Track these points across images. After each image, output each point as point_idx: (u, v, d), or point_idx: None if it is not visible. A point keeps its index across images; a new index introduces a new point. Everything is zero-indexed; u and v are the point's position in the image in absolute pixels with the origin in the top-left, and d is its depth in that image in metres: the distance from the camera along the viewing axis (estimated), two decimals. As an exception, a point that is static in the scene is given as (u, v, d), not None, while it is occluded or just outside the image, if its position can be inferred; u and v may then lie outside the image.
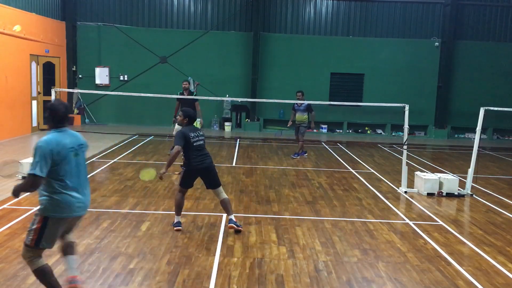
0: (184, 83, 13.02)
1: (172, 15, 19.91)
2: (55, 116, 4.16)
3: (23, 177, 9.02)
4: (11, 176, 5.17)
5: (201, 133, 6.68)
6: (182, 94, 13.00)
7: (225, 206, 6.62)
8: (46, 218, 4.12)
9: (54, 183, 4.11)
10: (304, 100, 12.79)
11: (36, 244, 4.10)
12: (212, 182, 6.67)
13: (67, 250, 4.47)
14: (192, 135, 6.50)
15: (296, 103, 12.91)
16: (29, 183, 4.05)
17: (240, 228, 6.51)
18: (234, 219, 6.55)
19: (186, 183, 6.64)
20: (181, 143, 6.46)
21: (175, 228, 6.52)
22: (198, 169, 6.54)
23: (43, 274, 4.18)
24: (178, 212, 6.64)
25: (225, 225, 6.77)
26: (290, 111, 13.84)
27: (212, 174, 6.68)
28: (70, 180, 4.15)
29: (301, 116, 12.99)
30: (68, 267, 4.46)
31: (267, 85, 19.81)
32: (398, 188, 9.56)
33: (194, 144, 6.49)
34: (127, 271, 5.09)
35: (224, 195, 6.69)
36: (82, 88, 19.00)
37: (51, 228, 4.12)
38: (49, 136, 4.10)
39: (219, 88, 19.21)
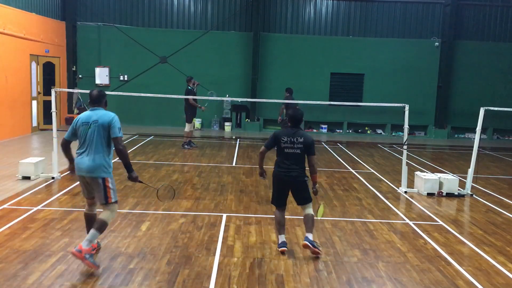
0: (193, 80, 13.56)
1: (172, 15, 19.91)
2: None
3: (23, 177, 9.07)
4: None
5: (300, 140, 5.74)
6: (192, 91, 13.43)
7: (306, 222, 5.86)
8: None
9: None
10: (289, 97, 13.58)
11: None
12: (300, 199, 5.92)
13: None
14: (285, 139, 5.76)
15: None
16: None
17: (317, 250, 5.65)
18: (310, 237, 5.72)
19: (274, 197, 5.98)
20: (267, 144, 5.91)
21: (279, 249, 5.77)
22: (282, 178, 5.81)
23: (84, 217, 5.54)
24: (281, 231, 5.90)
25: (225, 225, 6.78)
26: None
27: (298, 190, 5.86)
28: (78, 145, 5.31)
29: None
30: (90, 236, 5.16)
31: (267, 85, 19.81)
32: (398, 188, 9.56)
33: (285, 150, 5.78)
34: (127, 271, 5.09)
35: (309, 211, 5.89)
36: (82, 88, 18.94)
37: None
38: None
39: (219, 88, 19.18)
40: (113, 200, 5.23)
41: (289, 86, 19.41)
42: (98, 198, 5.24)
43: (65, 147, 5.37)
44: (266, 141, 6.04)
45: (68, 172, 5.52)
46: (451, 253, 6.03)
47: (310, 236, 5.72)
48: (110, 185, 5.22)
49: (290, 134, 5.79)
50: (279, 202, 5.97)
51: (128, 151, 12.86)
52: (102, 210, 5.26)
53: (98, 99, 5.44)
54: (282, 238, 5.86)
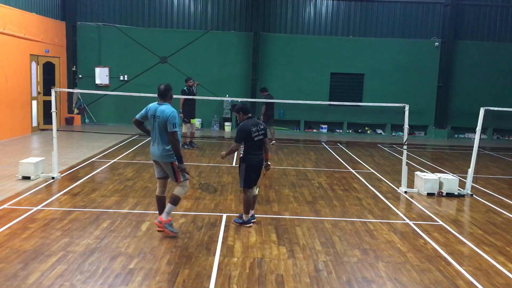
0: (190, 81, 13.47)
1: (172, 15, 19.91)
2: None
3: (23, 177, 9.07)
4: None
5: (261, 127, 6.66)
6: (187, 92, 13.34)
7: (254, 201, 6.91)
8: None
9: None
10: (268, 96, 15.01)
11: None
12: (257, 180, 6.84)
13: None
14: (254, 129, 6.53)
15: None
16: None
17: (252, 221, 6.81)
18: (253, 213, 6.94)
19: (249, 182, 6.66)
20: (239, 139, 6.52)
21: (253, 222, 6.77)
22: (258, 164, 6.63)
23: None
24: (247, 211, 6.76)
25: (225, 225, 6.78)
26: (282, 111, 15.75)
27: (260, 171, 6.81)
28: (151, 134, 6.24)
29: None
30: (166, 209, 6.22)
31: (267, 85, 19.73)
32: (398, 188, 9.56)
33: (255, 139, 6.54)
34: (127, 271, 5.09)
35: (256, 192, 6.94)
36: (82, 88, 19.00)
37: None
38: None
39: (219, 88, 19.22)
40: (181, 180, 6.16)
41: (289, 87, 19.58)
42: (171, 178, 6.22)
43: (137, 125, 6.35)
44: (236, 137, 6.55)
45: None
46: (451, 253, 6.03)
47: (252, 212, 6.87)
48: (177, 168, 6.12)
49: (254, 124, 6.58)
50: (252, 185, 6.75)
51: (128, 151, 13.02)
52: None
53: (164, 93, 6.17)
54: (252, 212, 6.84)
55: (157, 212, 7.30)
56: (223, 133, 19.05)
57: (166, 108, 6.08)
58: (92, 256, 5.45)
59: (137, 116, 6.34)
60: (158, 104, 6.17)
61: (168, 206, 6.17)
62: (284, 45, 19.92)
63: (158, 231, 6.28)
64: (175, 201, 6.20)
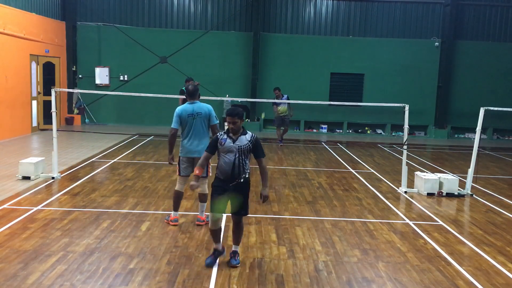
0: (190, 81, 13.52)
1: (172, 15, 19.91)
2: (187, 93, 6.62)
3: (23, 177, 9.07)
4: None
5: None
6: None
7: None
8: (179, 157, 6.68)
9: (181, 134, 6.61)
10: (279, 95, 15.14)
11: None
12: None
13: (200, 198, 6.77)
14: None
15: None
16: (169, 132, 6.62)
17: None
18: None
19: None
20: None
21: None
22: None
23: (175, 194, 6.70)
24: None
25: (225, 225, 6.77)
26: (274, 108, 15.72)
27: None
28: (185, 133, 6.56)
29: (283, 108, 15.25)
30: (199, 209, 6.74)
31: (267, 85, 19.79)
32: (398, 188, 9.56)
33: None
34: (127, 271, 5.09)
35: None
36: (82, 88, 19.00)
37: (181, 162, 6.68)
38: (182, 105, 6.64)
39: (219, 88, 19.22)
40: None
41: (289, 87, 19.55)
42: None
43: (176, 136, 6.59)
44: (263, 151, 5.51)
45: (170, 161, 6.83)
46: (451, 253, 6.03)
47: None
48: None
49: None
50: None
51: (128, 151, 13.02)
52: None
53: (194, 93, 6.62)
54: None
55: (158, 212, 7.34)
56: (223, 133, 19.01)
57: (203, 104, 6.62)
58: (92, 256, 5.44)
59: (175, 125, 6.51)
60: (190, 103, 6.57)
61: (202, 205, 6.71)
62: (284, 45, 19.92)
63: (198, 225, 6.68)
64: (206, 198, 6.66)
